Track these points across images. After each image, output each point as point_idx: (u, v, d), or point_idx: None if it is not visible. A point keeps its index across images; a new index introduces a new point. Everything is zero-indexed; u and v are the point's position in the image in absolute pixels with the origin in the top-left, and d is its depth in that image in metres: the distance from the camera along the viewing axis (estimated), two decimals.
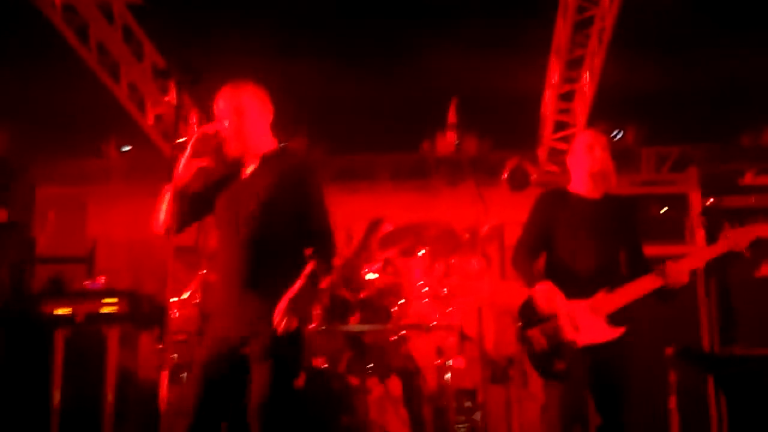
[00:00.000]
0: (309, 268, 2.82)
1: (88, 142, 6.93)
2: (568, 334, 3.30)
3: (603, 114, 6.49)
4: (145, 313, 4.43)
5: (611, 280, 3.36)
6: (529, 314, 3.37)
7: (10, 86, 5.56)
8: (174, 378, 4.37)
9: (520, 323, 3.40)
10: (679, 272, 3.29)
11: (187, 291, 4.65)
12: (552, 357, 3.30)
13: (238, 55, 5.77)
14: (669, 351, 4.32)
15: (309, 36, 5.67)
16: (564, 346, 3.28)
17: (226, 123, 2.95)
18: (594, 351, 3.29)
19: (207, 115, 6.86)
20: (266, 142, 3.07)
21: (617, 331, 3.29)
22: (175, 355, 4.61)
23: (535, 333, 3.34)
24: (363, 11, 5.58)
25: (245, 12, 5.40)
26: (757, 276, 4.58)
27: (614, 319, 3.31)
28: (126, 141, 7.10)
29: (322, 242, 2.93)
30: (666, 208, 4.92)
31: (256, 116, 3.02)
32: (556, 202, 3.56)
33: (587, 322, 3.30)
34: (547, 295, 3.31)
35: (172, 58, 5.81)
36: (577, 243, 3.43)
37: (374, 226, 5.18)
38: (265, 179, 2.94)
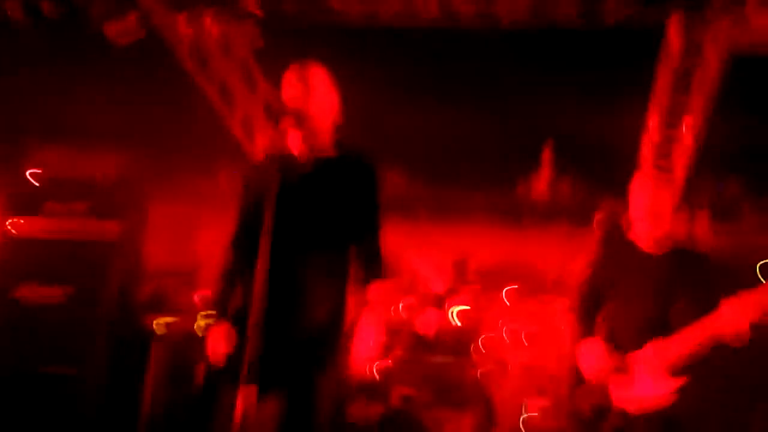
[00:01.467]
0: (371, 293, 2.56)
1: (202, 165, 7.39)
2: (617, 400, 2.84)
3: (705, 164, 6.37)
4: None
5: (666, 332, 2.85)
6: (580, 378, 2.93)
7: (135, 110, 6.05)
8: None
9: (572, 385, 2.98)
10: (736, 315, 2.67)
11: None
12: (599, 423, 2.85)
13: (347, 92, 6.05)
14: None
15: (415, 74, 5.86)
16: (610, 412, 2.83)
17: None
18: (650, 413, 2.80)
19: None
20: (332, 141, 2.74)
21: (677, 383, 2.78)
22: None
23: (579, 395, 2.92)
24: (468, 51, 5.73)
25: (348, 48, 5.66)
26: None
27: (673, 372, 2.80)
28: (236, 165, 7.52)
29: (378, 259, 2.62)
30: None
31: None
32: (614, 252, 3.17)
33: (640, 379, 2.82)
34: (591, 357, 2.90)
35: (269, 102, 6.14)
36: (632, 297, 3.01)
37: (459, 266, 5.27)
38: (331, 182, 2.60)
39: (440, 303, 4.76)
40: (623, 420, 2.80)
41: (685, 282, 2.95)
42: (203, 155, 7.16)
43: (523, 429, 4.37)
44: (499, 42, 5.38)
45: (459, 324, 4.52)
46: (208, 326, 2.66)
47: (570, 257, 5.06)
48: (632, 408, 2.80)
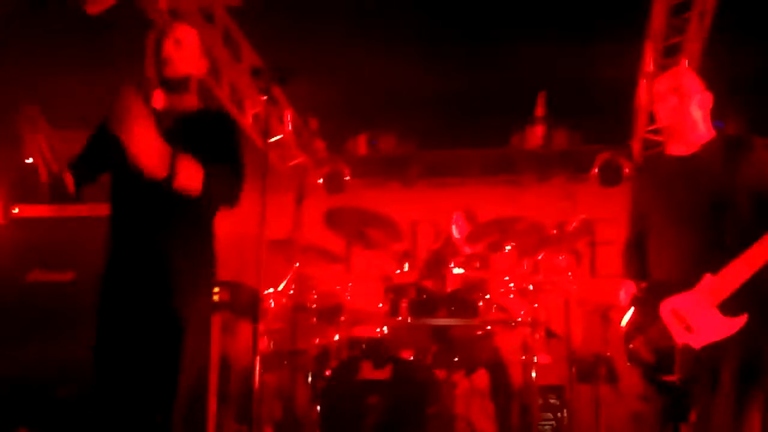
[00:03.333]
0: None
1: None
2: (679, 337, 2.67)
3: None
4: (244, 302, 4.65)
5: (719, 255, 2.64)
6: (631, 323, 2.81)
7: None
8: (268, 365, 4.57)
9: (623, 337, 2.84)
10: None
11: (282, 283, 4.84)
12: (662, 368, 2.70)
13: (331, 53, 5.94)
14: None
15: (398, 32, 5.73)
16: (675, 354, 2.66)
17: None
18: (713, 352, 2.62)
19: (300, 114, 7.10)
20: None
21: (738, 322, 2.57)
22: (271, 343, 4.82)
23: (637, 345, 2.77)
24: (452, 5, 5.60)
25: (338, 11, 5.52)
26: None
27: (731, 307, 2.59)
28: None
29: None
30: None
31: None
32: (650, 173, 3.06)
33: (699, 317, 2.62)
34: (631, 296, 2.84)
35: (266, 59, 6.01)
36: (671, 217, 2.82)
37: (463, 219, 5.24)
38: (186, 135, 2.68)
39: (443, 262, 4.70)
40: (690, 355, 2.64)
41: (726, 166, 2.76)
42: None
43: (532, 385, 4.34)
44: None
45: (463, 282, 4.48)
46: None
47: (569, 209, 5.02)
48: (697, 343, 2.64)
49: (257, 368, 2.25)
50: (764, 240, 2.57)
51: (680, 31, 5.55)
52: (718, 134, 2.92)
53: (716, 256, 2.65)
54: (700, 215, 2.76)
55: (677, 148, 2.94)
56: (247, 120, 6.62)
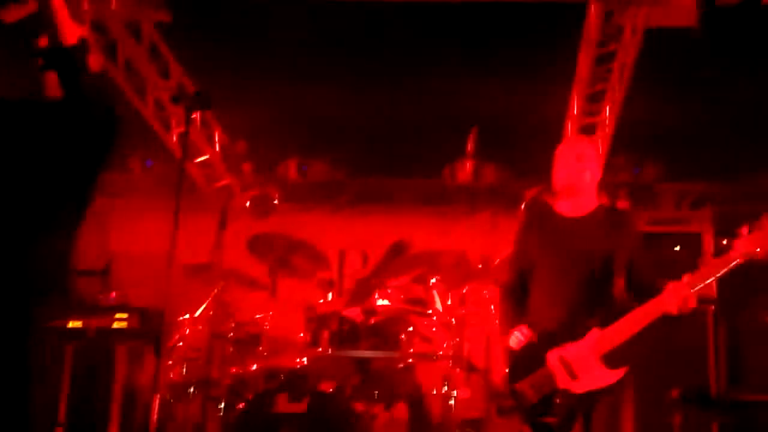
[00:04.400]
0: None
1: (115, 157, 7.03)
2: (561, 382, 2.93)
3: (624, 149, 6.47)
4: (154, 330, 4.48)
5: (601, 312, 2.96)
6: (516, 365, 3.05)
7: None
8: (179, 395, 4.40)
9: (508, 377, 3.08)
10: (681, 293, 2.79)
11: (200, 308, 4.68)
12: (543, 410, 2.93)
13: (262, 76, 5.87)
14: (674, 393, 4.21)
15: (332, 58, 5.72)
16: (556, 397, 2.92)
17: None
18: (590, 398, 2.92)
19: (229, 134, 6.97)
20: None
21: (617, 374, 2.89)
22: (184, 370, 4.63)
23: (524, 386, 2.97)
24: (388, 35, 5.62)
25: (269, 33, 5.47)
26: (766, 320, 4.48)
27: (612, 359, 2.89)
28: (151, 156, 7.21)
29: None
30: (678, 247, 4.84)
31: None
32: (537, 224, 3.22)
33: (584, 366, 2.90)
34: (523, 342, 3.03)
35: (194, 78, 5.89)
36: (555, 272, 3.08)
37: (396, 249, 5.20)
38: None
39: (368, 293, 4.66)
40: (570, 400, 2.91)
41: (609, 234, 3.05)
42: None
43: (451, 418, 4.32)
44: (418, 18, 5.27)
45: (387, 314, 4.43)
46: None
47: (495, 243, 5.03)
48: (578, 389, 2.91)
49: (156, 402, 2.11)
50: (649, 304, 2.87)
51: (604, 80, 5.80)
52: (601, 205, 3.22)
53: (597, 313, 2.96)
54: (584, 276, 3.03)
55: (567, 209, 3.17)
56: (172, 138, 6.46)
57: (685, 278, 2.81)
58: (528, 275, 3.18)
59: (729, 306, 4.55)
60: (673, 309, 2.80)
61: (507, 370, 3.10)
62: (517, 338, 3.08)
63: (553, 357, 2.94)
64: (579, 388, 2.91)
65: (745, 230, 2.79)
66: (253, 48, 5.55)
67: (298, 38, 5.38)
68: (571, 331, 2.95)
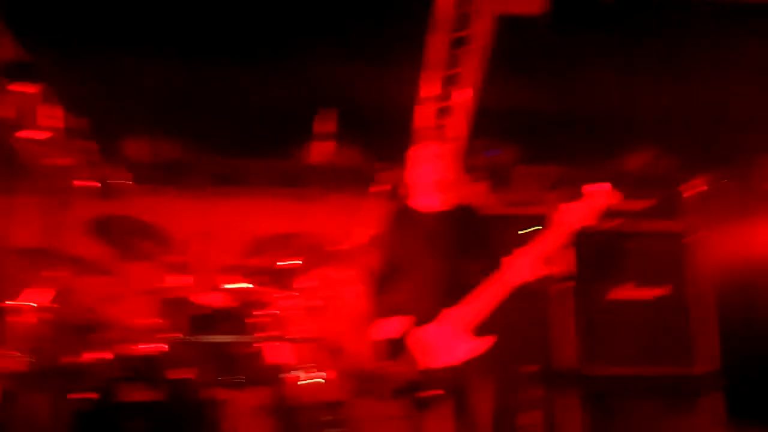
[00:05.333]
0: None
1: None
2: (421, 361, 3.18)
3: (480, 132, 6.66)
4: None
5: (458, 295, 3.19)
6: (380, 349, 3.28)
7: None
8: (23, 386, 4.05)
9: (372, 360, 3.32)
10: (515, 265, 3.08)
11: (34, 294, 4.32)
12: (415, 389, 3.17)
13: (106, 53, 5.52)
14: (532, 368, 4.42)
15: (181, 35, 5.48)
16: (420, 377, 3.15)
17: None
18: (452, 373, 3.15)
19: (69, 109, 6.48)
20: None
21: (479, 348, 3.12)
22: (28, 360, 4.26)
23: (388, 368, 3.23)
24: (242, 13, 5.45)
25: (114, 7, 5.15)
26: (612, 298, 4.80)
27: (470, 334, 3.14)
28: None
29: None
30: (527, 230, 5.04)
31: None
32: (400, 220, 3.47)
33: (440, 344, 3.13)
34: (387, 329, 3.24)
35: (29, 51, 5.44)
36: (421, 261, 3.30)
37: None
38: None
39: (222, 279, 4.52)
40: (434, 376, 3.13)
41: (465, 236, 3.31)
42: None
43: (313, 401, 4.29)
44: None
45: (244, 298, 4.32)
46: None
47: (352, 225, 5.04)
48: (438, 365, 3.14)
49: None
50: (491, 279, 3.13)
51: (458, 64, 5.91)
52: (454, 204, 3.46)
53: (451, 298, 3.20)
54: (440, 266, 3.28)
55: (426, 205, 3.42)
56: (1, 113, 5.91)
57: (516, 252, 3.10)
58: (396, 267, 3.39)
59: (584, 282, 4.81)
60: (513, 280, 3.06)
61: (372, 354, 3.30)
62: (384, 327, 3.27)
63: (411, 338, 3.17)
64: (436, 364, 3.14)
65: (564, 204, 3.06)
66: (89, 20, 5.21)
67: (152, 12, 5.11)
68: (433, 315, 3.19)
